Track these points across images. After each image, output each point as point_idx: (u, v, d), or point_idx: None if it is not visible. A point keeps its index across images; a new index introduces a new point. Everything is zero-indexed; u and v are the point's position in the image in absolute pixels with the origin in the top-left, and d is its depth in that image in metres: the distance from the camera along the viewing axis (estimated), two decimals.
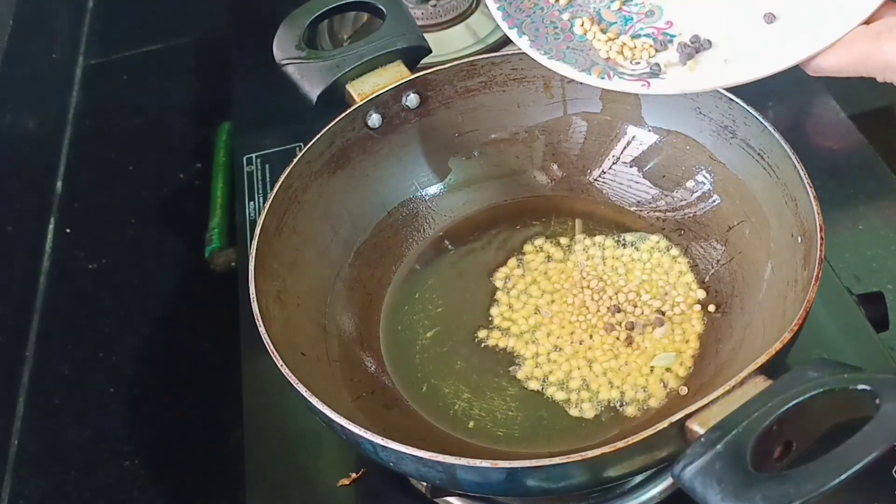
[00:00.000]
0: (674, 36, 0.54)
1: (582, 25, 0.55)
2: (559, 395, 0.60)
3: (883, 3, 0.47)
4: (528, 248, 0.68)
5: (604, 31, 0.55)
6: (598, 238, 0.68)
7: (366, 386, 0.61)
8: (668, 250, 0.66)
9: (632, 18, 0.55)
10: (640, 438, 0.46)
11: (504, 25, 0.56)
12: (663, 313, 0.63)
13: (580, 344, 0.62)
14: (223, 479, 0.71)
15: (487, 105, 0.69)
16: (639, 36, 0.54)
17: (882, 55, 0.46)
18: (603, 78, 0.53)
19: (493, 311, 0.65)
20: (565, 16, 0.56)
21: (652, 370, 0.60)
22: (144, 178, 0.97)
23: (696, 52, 0.52)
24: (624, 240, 0.67)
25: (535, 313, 0.64)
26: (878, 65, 0.46)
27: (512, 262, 0.68)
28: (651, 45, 0.53)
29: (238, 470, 0.64)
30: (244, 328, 0.71)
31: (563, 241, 0.68)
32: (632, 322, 0.63)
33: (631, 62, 0.53)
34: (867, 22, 0.48)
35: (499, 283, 0.67)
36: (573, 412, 0.59)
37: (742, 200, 0.63)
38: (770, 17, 0.51)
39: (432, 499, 0.61)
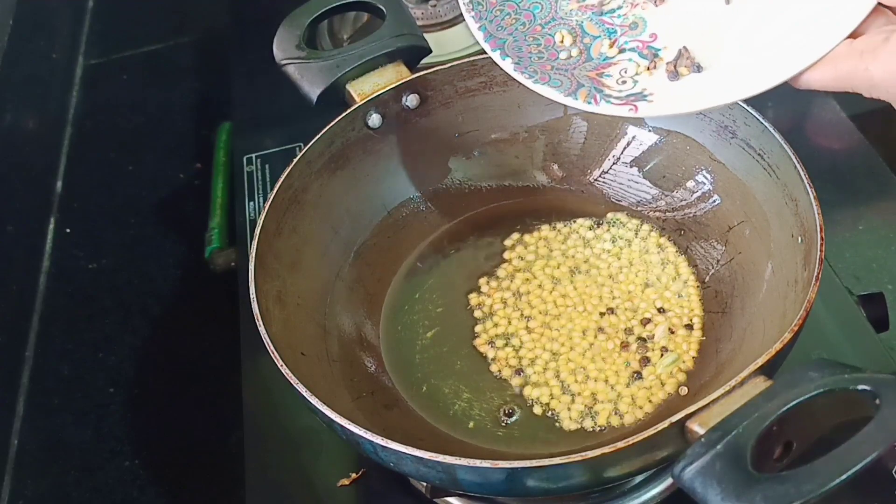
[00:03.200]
0: (658, 49, 0.54)
1: (563, 41, 0.55)
2: (552, 406, 0.60)
3: (864, 20, 0.47)
4: (526, 248, 0.68)
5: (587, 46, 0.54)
6: (597, 239, 0.68)
7: (366, 386, 0.61)
8: (667, 250, 0.66)
9: (615, 31, 0.55)
10: (640, 438, 0.46)
11: (487, 48, 0.56)
12: (663, 311, 0.63)
13: (578, 347, 0.62)
14: (223, 479, 0.71)
15: (487, 105, 0.69)
16: (624, 50, 0.54)
17: (866, 74, 0.46)
18: (589, 102, 0.52)
19: (487, 318, 0.65)
20: (547, 30, 0.55)
21: (650, 372, 0.60)
22: (144, 178, 0.97)
23: (685, 74, 0.52)
24: (624, 240, 0.67)
25: (532, 315, 0.64)
26: (862, 83, 0.46)
27: (511, 262, 0.68)
28: (637, 65, 0.53)
29: (238, 470, 0.64)
30: (244, 328, 0.71)
31: (562, 241, 0.68)
32: (629, 323, 0.63)
33: (617, 82, 0.53)
34: (853, 36, 0.47)
35: (498, 284, 0.67)
36: (569, 423, 0.59)
37: (742, 201, 0.63)
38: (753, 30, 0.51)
39: (432, 499, 0.61)
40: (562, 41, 0.55)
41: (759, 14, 0.51)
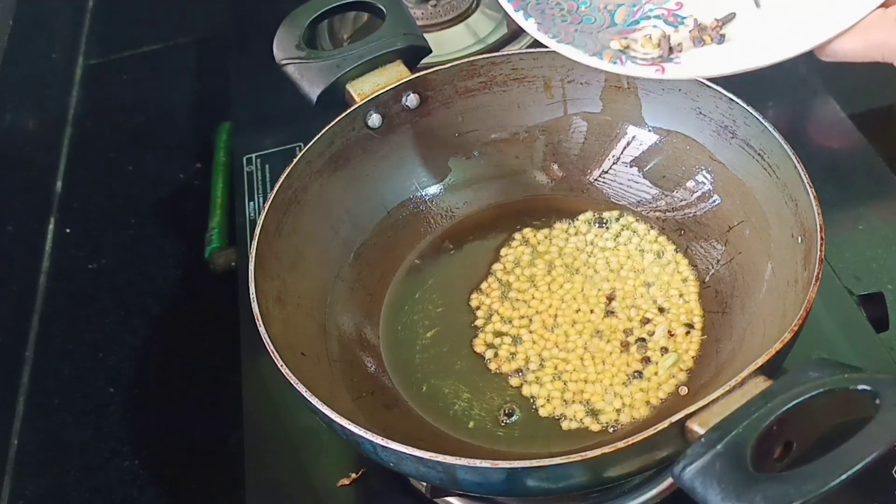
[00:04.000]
0: (684, 18, 0.53)
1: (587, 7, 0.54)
2: (552, 406, 0.60)
3: None
4: (526, 248, 0.68)
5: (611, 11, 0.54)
6: (597, 238, 0.68)
7: (366, 386, 0.61)
8: (667, 250, 0.66)
9: None
10: (640, 438, 0.46)
11: (510, 8, 0.54)
12: (663, 311, 0.63)
13: (578, 347, 0.62)
14: (223, 479, 0.71)
15: (487, 105, 0.69)
16: (648, 17, 0.53)
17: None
18: (615, 63, 0.51)
19: (486, 318, 0.65)
20: None
21: (650, 372, 0.60)
22: (144, 178, 0.97)
23: (708, 42, 0.51)
24: (623, 240, 0.67)
25: (531, 315, 0.64)
26: (894, 51, 0.45)
27: (510, 262, 0.68)
28: (661, 35, 0.52)
29: (238, 470, 0.64)
30: (244, 328, 0.71)
31: (562, 241, 0.68)
32: (629, 323, 0.63)
33: (643, 46, 0.52)
34: (885, 6, 0.47)
35: (497, 284, 0.67)
36: (568, 423, 0.59)
37: (742, 200, 0.63)
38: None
39: (432, 499, 0.61)
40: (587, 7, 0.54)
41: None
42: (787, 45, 0.48)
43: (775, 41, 0.49)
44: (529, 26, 0.54)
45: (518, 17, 0.54)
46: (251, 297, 0.56)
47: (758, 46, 0.50)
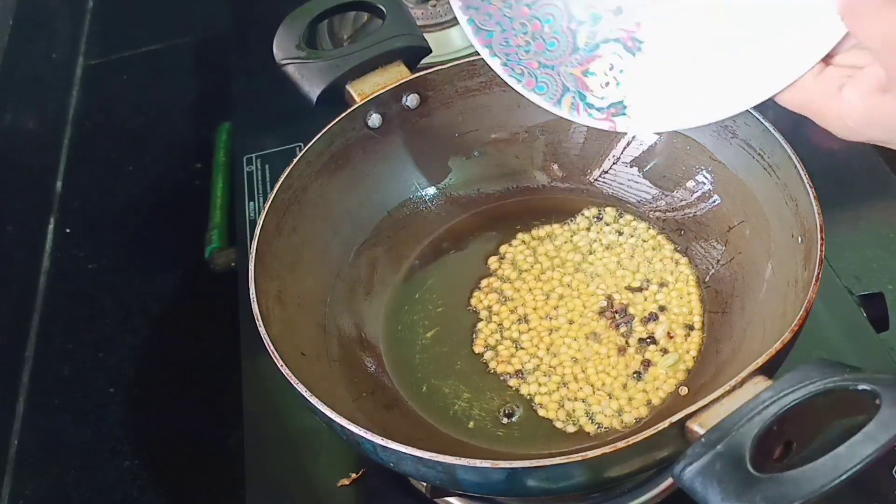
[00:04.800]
0: (642, 42, 0.53)
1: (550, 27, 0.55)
2: (552, 406, 0.60)
3: (831, 49, 0.47)
4: (526, 248, 0.68)
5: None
6: (597, 238, 0.68)
7: (366, 386, 0.61)
8: (667, 250, 0.66)
9: (601, 17, 0.55)
10: (640, 438, 0.46)
11: (476, 42, 0.55)
12: (663, 310, 0.63)
13: (577, 347, 0.62)
14: (223, 479, 0.71)
15: (487, 105, 0.69)
16: (608, 41, 0.54)
17: (821, 114, 0.46)
18: (573, 112, 0.53)
19: (486, 318, 0.65)
20: (534, 11, 0.55)
21: (650, 372, 0.60)
22: (144, 178, 0.97)
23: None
24: (623, 239, 0.67)
25: (531, 315, 0.64)
26: (819, 121, 0.47)
27: (511, 262, 0.68)
28: (621, 59, 0.53)
29: (238, 470, 0.64)
30: (244, 328, 0.71)
31: (562, 241, 0.68)
32: (629, 323, 0.63)
33: (601, 85, 0.53)
34: (826, 61, 0.47)
35: (498, 284, 0.67)
36: (568, 423, 0.59)
37: (742, 200, 0.63)
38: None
39: (432, 499, 0.61)
40: (550, 27, 0.55)
41: (736, 34, 0.51)
42: (731, 102, 0.50)
43: (721, 97, 0.50)
44: (495, 65, 0.54)
45: (485, 54, 0.54)
46: (251, 297, 0.56)
47: (704, 102, 0.51)
